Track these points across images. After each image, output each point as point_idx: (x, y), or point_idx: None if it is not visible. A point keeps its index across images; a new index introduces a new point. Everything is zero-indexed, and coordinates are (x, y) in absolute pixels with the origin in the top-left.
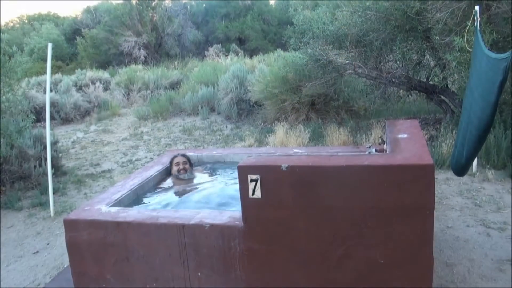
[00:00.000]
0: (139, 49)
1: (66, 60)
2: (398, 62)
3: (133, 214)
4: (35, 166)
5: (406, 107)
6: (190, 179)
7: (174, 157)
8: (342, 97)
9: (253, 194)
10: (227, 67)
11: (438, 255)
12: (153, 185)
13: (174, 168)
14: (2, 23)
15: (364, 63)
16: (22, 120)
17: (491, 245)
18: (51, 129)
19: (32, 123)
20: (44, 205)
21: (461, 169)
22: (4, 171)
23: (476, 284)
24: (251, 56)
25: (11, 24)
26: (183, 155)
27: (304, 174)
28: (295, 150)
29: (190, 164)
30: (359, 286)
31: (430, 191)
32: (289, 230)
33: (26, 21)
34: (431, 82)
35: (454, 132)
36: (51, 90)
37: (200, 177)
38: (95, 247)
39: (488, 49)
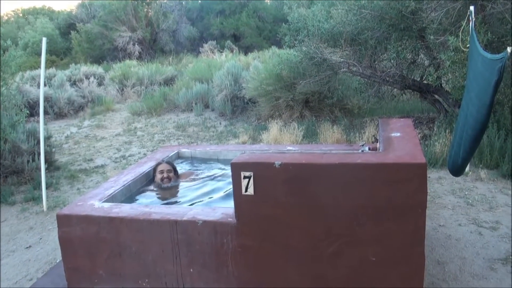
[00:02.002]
0: (134, 44)
1: (60, 54)
2: (392, 61)
3: (126, 209)
4: (28, 161)
5: (399, 106)
6: (174, 188)
7: (158, 164)
8: (336, 95)
9: (246, 191)
10: (222, 63)
11: (430, 253)
12: (133, 193)
13: (158, 176)
14: None
15: (358, 62)
16: (16, 115)
17: (482, 244)
18: (45, 123)
19: (25, 117)
20: (37, 199)
21: (457, 169)
22: None
23: (467, 282)
24: (245, 53)
25: (6, 18)
26: (168, 163)
27: (297, 171)
28: (289, 148)
29: (175, 172)
30: (351, 283)
31: (423, 189)
32: (282, 227)
33: (21, 15)
34: (425, 81)
35: (447, 131)
36: (45, 85)
37: (186, 186)
38: (87, 243)
39: (483, 50)
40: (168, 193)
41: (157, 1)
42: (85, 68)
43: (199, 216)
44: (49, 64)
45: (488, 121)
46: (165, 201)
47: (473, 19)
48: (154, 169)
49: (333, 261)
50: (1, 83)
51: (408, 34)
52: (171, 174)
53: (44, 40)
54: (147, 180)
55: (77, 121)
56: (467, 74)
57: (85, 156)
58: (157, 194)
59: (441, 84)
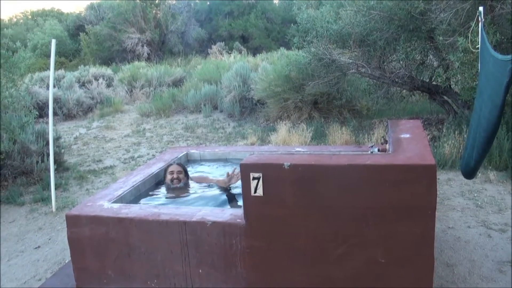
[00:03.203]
0: (142, 46)
1: (69, 56)
2: (401, 62)
3: (135, 210)
4: (37, 162)
5: (408, 107)
6: (184, 190)
7: (169, 165)
8: (345, 97)
9: (255, 192)
10: (230, 65)
11: (439, 255)
12: (142, 194)
13: (168, 177)
14: (6, 19)
15: (367, 63)
16: (25, 116)
17: (492, 246)
18: (54, 125)
19: (34, 118)
20: (46, 200)
21: (470, 172)
22: (7, 166)
23: (476, 285)
24: (254, 54)
25: (15, 20)
26: (179, 164)
27: (306, 172)
28: (297, 149)
29: (186, 174)
30: (360, 285)
31: (432, 191)
32: (291, 228)
33: (30, 16)
34: (434, 83)
35: (456, 132)
36: (54, 86)
37: (195, 187)
38: (96, 243)
39: (494, 50)
40: (178, 194)
41: (166, 3)
42: (94, 70)
43: (208, 217)
44: (58, 65)
45: (500, 122)
46: (174, 202)
47: (482, 20)
48: (165, 170)
49: (341, 262)
50: (11, 84)
51: (417, 35)
52: (181, 175)
53: (53, 41)
54: (156, 181)
55: (86, 122)
56: (479, 75)
57: (94, 157)
58: (166, 195)
59: (450, 85)
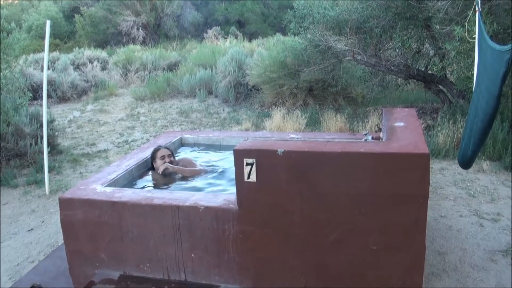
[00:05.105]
0: (138, 29)
1: (64, 38)
2: (397, 50)
3: (128, 194)
4: (31, 144)
5: (403, 96)
6: (174, 173)
7: (157, 150)
8: (340, 84)
9: (248, 177)
10: (226, 50)
11: (431, 243)
12: (135, 178)
13: (159, 163)
14: (1, 0)
15: (363, 50)
16: (19, 98)
17: (483, 236)
18: (48, 107)
19: (29, 100)
20: (40, 183)
21: (467, 162)
22: (0, 148)
23: (467, 273)
24: (250, 40)
25: (10, 1)
26: (167, 148)
27: (299, 159)
28: (292, 135)
29: (173, 157)
30: (352, 271)
31: (425, 180)
32: (283, 214)
33: None
34: (429, 71)
35: (451, 122)
36: (48, 68)
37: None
38: (89, 226)
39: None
40: (170, 178)
41: None
42: (88, 52)
43: (201, 201)
44: (53, 47)
45: (496, 112)
46: (167, 187)
47: (480, 9)
48: (154, 156)
49: (334, 249)
50: (5, 66)
51: (413, 23)
52: (173, 159)
53: (48, 23)
54: (150, 165)
55: (80, 105)
56: (477, 66)
57: (88, 141)
58: (159, 180)
59: (445, 75)
